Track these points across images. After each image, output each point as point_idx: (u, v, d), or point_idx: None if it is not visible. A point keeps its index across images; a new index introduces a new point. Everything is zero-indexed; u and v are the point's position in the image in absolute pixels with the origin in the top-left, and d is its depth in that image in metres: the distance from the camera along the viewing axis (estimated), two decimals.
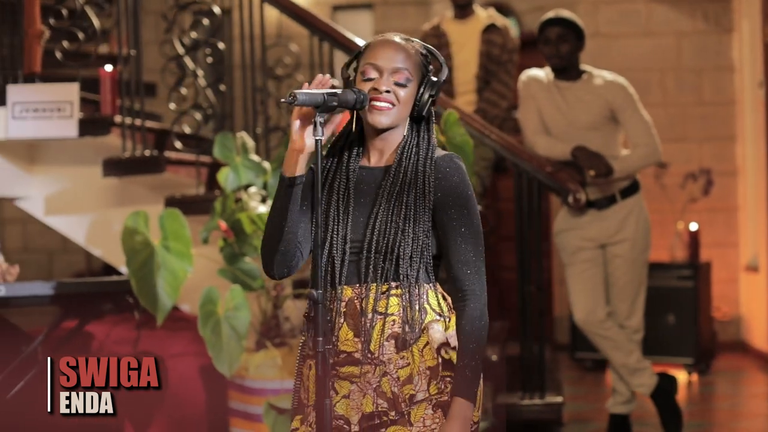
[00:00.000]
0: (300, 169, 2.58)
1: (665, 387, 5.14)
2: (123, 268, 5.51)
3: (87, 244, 5.64)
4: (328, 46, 5.50)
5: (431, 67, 2.68)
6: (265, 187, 4.76)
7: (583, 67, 5.20)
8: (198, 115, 5.41)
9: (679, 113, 7.88)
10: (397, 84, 2.60)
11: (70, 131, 5.18)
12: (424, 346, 2.56)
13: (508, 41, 6.14)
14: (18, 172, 5.57)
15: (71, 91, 5.19)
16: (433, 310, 2.59)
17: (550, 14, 5.14)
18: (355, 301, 2.58)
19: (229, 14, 5.59)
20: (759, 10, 7.19)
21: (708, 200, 7.62)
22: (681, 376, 6.84)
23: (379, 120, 2.60)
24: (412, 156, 2.62)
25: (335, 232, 2.61)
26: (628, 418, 5.23)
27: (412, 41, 2.67)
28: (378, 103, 2.58)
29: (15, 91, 5.22)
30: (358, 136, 2.70)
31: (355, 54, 2.70)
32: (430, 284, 2.61)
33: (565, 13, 5.13)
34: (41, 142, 5.47)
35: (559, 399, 5.02)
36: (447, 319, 2.61)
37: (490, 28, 6.12)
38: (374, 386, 2.55)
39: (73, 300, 4.47)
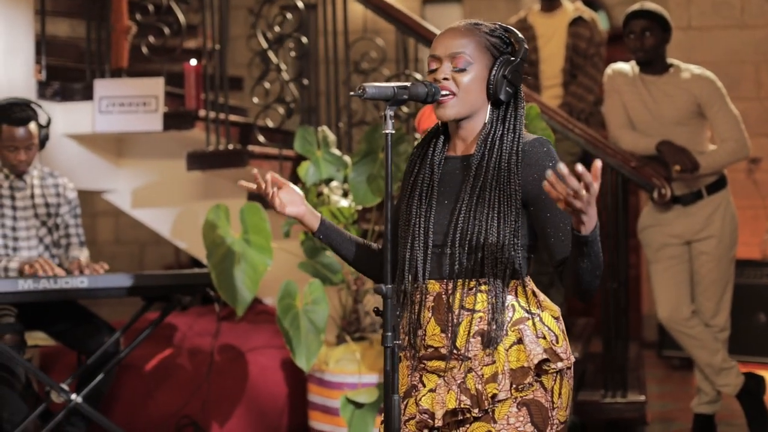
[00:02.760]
0: (310, 225, 2.79)
1: (752, 387, 5.02)
2: (207, 261, 5.58)
3: (172, 236, 5.71)
4: (414, 40, 5.49)
5: (510, 47, 2.61)
6: (345, 181, 4.76)
7: (670, 60, 5.09)
8: (281, 109, 5.43)
9: None
10: (456, 70, 2.55)
11: (155, 125, 5.26)
12: (511, 346, 2.52)
13: (596, 34, 6.05)
14: (106, 165, 5.67)
15: (156, 86, 5.26)
16: (522, 307, 2.54)
17: (635, 6, 5.03)
18: (443, 296, 2.56)
19: (314, 8, 5.59)
20: None
21: None
22: None
23: (443, 112, 2.58)
24: (495, 148, 2.55)
25: (418, 226, 2.59)
26: (713, 419, 5.12)
27: (480, 25, 2.61)
28: (439, 93, 2.55)
29: (102, 86, 5.31)
30: (444, 128, 2.69)
31: None
32: (520, 280, 2.56)
33: (651, 5, 5.02)
34: (128, 135, 5.56)
35: (641, 398, 4.92)
36: (536, 317, 2.55)
37: (578, 21, 6.05)
38: (459, 382, 2.53)
39: (155, 292, 4.52)
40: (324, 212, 4.62)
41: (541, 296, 2.62)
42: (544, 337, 2.53)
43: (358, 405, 4.44)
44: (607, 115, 5.15)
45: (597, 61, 6.02)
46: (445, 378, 2.56)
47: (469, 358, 2.53)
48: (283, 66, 5.40)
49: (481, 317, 2.52)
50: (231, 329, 5.24)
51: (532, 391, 2.52)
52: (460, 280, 2.54)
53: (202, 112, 5.28)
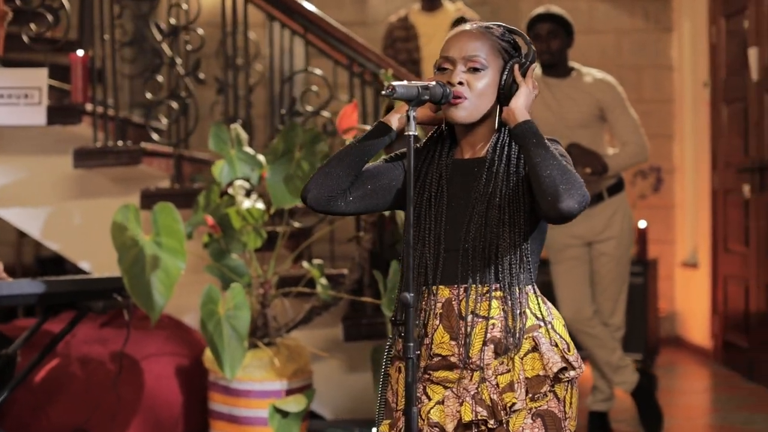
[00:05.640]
0: (394, 123, 2.53)
1: (645, 384, 5.15)
2: (83, 264, 5.29)
3: (43, 237, 5.37)
4: (288, 33, 5.37)
5: (519, 50, 2.56)
6: (260, 182, 4.58)
7: (571, 64, 5.17)
8: (175, 105, 5.19)
9: None
10: (471, 71, 2.50)
11: (39, 119, 4.93)
12: (526, 354, 2.45)
13: None
14: None
15: (40, 77, 4.93)
16: (534, 314, 2.49)
17: (540, 10, 5.07)
18: (453, 303, 2.46)
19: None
20: (704, 10, 7.27)
21: (647, 198, 7.69)
22: None
23: (455, 114, 2.51)
24: (505, 153, 2.52)
25: (428, 230, 2.51)
26: (607, 416, 5.22)
27: (491, 27, 2.56)
28: (452, 95, 2.49)
29: None
30: (449, 131, 2.61)
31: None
32: (531, 285, 2.51)
33: (556, 9, 5.08)
34: None
35: None
36: (548, 325, 2.50)
37: (460, 22, 6.04)
38: (472, 393, 2.44)
39: (65, 299, 4.19)
40: (231, 213, 4.44)
41: (548, 303, 2.58)
42: (557, 345, 2.49)
43: (284, 414, 4.28)
44: None
45: None
46: (454, 389, 2.47)
47: (482, 368, 2.45)
48: (178, 60, 5.16)
49: (494, 324, 2.45)
50: (119, 336, 4.95)
51: (546, 401, 2.46)
52: (473, 286, 2.46)
53: (89, 107, 4.98)
